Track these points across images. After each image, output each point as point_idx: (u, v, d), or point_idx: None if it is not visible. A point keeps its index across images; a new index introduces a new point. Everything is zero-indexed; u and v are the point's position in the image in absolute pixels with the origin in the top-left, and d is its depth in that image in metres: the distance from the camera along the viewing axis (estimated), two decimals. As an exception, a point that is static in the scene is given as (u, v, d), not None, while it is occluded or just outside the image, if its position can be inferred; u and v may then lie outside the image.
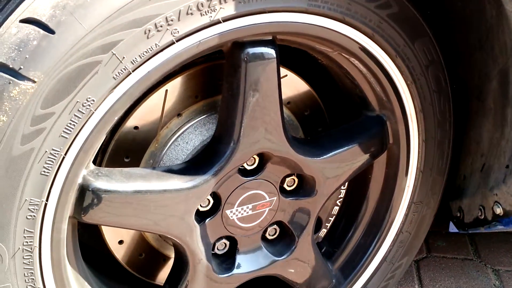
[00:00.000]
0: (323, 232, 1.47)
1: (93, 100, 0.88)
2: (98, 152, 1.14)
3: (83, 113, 0.88)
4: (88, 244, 1.28)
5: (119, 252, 1.25)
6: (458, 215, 1.52)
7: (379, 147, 1.32)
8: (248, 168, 1.18)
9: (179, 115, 1.18)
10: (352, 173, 1.29)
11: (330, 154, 1.24)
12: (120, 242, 1.24)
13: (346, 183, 1.43)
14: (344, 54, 1.17)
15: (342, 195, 1.44)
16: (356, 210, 1.45)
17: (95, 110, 0.89)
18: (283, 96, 1.28)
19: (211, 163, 1.10)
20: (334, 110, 1.39)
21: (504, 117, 1.29)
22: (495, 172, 1.33)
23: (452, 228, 1.61)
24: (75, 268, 1.06)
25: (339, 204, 1.45)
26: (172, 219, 1.08)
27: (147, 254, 1.29)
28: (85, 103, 0.88)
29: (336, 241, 1.48)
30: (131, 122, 1.13)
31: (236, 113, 1.07)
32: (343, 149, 1.25)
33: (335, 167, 1.25)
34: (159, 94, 1.14)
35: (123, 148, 1.14)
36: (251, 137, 1.10)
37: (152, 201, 1.04)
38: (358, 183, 1.44)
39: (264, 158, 1.18)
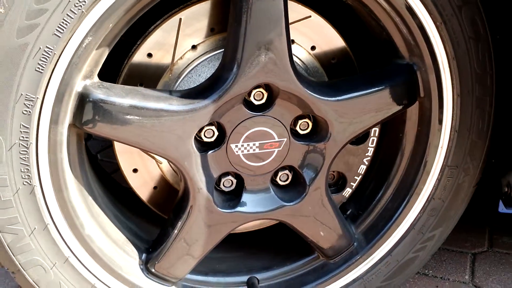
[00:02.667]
0: (348, 192, 1.39)
1: (85, 2, 0.93)
2: (112, 76, 1.19)
3: (75, 14, 0.93)
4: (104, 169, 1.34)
5: (133, 180, 1.29)
6: (506, 190, 1.36)
7: (406, 98, 1.22)
8: (256, 102, 1.16)
9: (194, 47, 1.20)
10: (372, 122, 1.22)
11: (345, 96, 1.17)
12: (135, 170, 1.28)
13: (375, 141, 1.35)
14: (364, -12, 1.11)
15: (370, 154, 1.36)
16: (386, 171, 1.36)
17: (87, 13, 0.94)
18: (307, 39, 1.26)
19: (213, 89, 1.10)
20: (365, 60, 1.32)
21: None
22: (541, 135, 1.18)
23: (502, 208, 1.44)
24: (78, 178, 1.12)
25: (366, 163, 1.37)
26: (169, 140, 1.09)
27: (161, 187, 1.32)
28: (77, 3, 0.93)
29: (362, 204, 1.40)
30: (144, 48, 1.17)
31: (238, 39, 1.06)
32: (360, 93, 1.18)
33: (350, 112, 1.18)
34: (173, 22, 1.16)
35: (137, 74, 1.19)
36: (253, 64, 1.08)
37: (148, 118, 1.07)
38: (388, 141, 1.35)
39: (272, 94, 1.16)
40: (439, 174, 1.30)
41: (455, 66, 1.18)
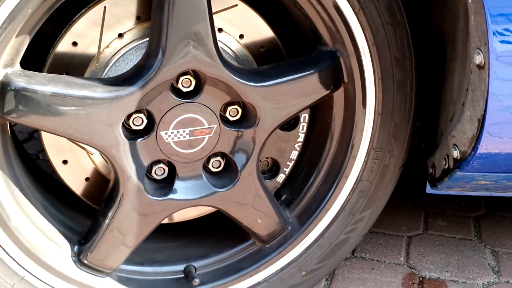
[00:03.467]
0: (281, 177, 1.42)
1: (-1, -14, 0.92)
2: (38, 65, 1.18)
3: (-10, -1, 0.92)
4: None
5: (64, 172, 1.28)
6: (431, 171, 1.43)
7: (331, 83, 1.26)
8: (184, 89, 1.18)
9: (120, 35, 1.20)
10: (299, 108, 1.25)
11: (272, 82, 1.20)
12: (65, 162, 1.27)
13: (305, 127, 1.39)
14: (284, -25, 1.14)
15: (301, 139, 1.40)
16: (317, 155, 1.40)
17: (3, -2, 0.93)
18: (235, 28, 1.28)
19: (138, 76, 1.11)
20: (292, 47, 1.35)
21: (466, 54, 1.21)
22: (456, 115, 1.24)
23: (429, 189, 1.51)
24: (3, 168, 1.11)
25: (298, 148, 1.40)
26: (94, 128, 1.09)
27: (94, 178, 1.31)
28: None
29: (295, 188, 1.43)
30: (69, 37, 1.16)
31: (162, 26, 1.08)
32: (286, 79, 1.22)
33: (277, 97, 1.22)
34: (97, 11, 1.16)
35: (63, 63, 1.18)
36: (178, 51, 1.09)
37: (72, 106, 1.06)
38: (318, 127, 1.39)
39: (200, 81, 1.17)
40: (365, 157, 1.35)
41: (375, 51, 1.23)
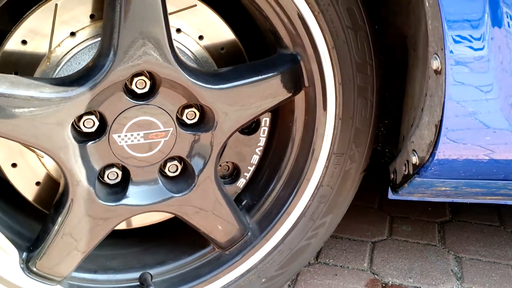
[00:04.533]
0: (242, 182, 1.40)
1: None
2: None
3: None
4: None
5: (13, 176, 1.23)
6: (392, 176, 1.42)
7: (291, 87, 1.24)
8: (139, 91, 1.14)
9: (72, 34, 1.16)
10: (258, 111, 1.22)
11: (230, 85, 1.17)
12: (14, 165, 1.22)
13: (266, 131, 1.36)
14: (242, -24, 1.12)
15: (262, 144, 1.37)
16: (278, 160, 1.38)
17: None
18: (194, 29, 1.25)
19: (89, 76, 1.07)
20: (254, 50, 1.33)
21: (427, 59, 1.20)
22: (416, 120, 1.24)
23: (391, 195, 1.50)
24: None
25: (259, 153, 1.38)
26: (41, 130, 1.05)
27: (45, 183, 1.26)
28: None
29: (256, 194, 1.40)
30: (18, 35, 1.12)
31: (114, 25, 1.04)
32: (245, 81, 1.19)
33: (236, 100, 1.19)
34: (48, 8, 1.12)
35: (11, 62, 1.13)
36: (130, 51, 1.05)
37: (17, 106, 1.01)
38: (279, 131, 1.37)
39: (155, 82, 1.14)
40: (326, 162, 1.33)
41: (335, 56, 1.22)
